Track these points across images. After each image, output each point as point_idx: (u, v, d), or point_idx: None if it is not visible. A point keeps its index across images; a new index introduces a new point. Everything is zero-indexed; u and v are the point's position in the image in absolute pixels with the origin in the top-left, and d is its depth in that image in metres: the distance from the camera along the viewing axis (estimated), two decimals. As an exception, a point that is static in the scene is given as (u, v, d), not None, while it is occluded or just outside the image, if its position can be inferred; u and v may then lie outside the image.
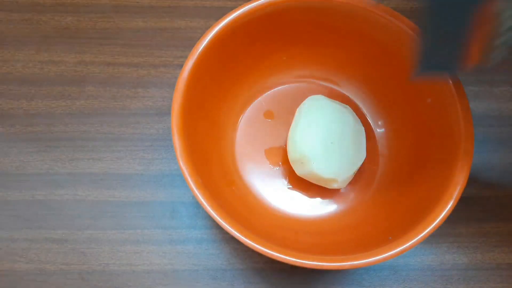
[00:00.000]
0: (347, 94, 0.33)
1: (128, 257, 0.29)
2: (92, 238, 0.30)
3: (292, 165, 0.29)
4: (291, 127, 0.29)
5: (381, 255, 0.22)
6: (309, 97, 0.30)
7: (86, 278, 0.29)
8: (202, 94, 0.27)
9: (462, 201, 0.31)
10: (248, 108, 0.32)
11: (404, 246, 0.22)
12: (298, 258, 0.22)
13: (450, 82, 0.25)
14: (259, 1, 0.26)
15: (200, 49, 0.26)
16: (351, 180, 0.29)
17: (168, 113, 0.33)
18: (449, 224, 0.30)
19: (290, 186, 0.30)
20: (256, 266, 0.29)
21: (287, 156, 0.29)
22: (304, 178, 0.28)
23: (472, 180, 0.31)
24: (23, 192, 0.31)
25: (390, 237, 0.23)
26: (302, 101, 0.30)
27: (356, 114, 0.30)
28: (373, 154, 0.31)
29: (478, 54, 0.20)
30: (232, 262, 0.29)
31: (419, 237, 0.23)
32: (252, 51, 0.30)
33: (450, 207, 0.23)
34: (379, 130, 0.32)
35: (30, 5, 0.36)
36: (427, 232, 0.23)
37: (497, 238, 0.30)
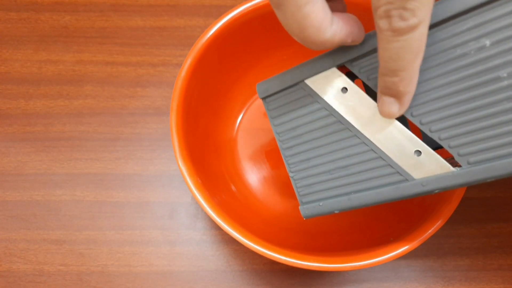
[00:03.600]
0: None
1: (127, 258, 0.29)
2: (91, 239, 0.29)
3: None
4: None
5: (382, 256, 0.22)
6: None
7: (85, 279, 0.29)
8: (201, 93, 0.27)
9: (464, 202, 0.31)
10: (248, 108, 0.32)
11: (406, 247, 0.22)
12: (298, 260, 0.22)
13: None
14: (259, 0, 0.26)
15: (199, 48, 0.25)
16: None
17: (167, 112, 0.33)
18: (450, 225, 0.30)
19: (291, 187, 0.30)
20: (256, 268, 0.29)
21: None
22: None
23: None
24: (21, 192, 0.30)
25: (392, 238, 0.23)
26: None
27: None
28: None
29: None
30: (232, 263, 0.29)
31: (420, 238, 0.22)
32: (252, 50, 0.29)
33: (451, 208, 0.23)
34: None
35: (28, 4, 0.35)
36: (429, 233, 0.22)
37: (499, 239, 0.30)
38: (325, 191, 0.21)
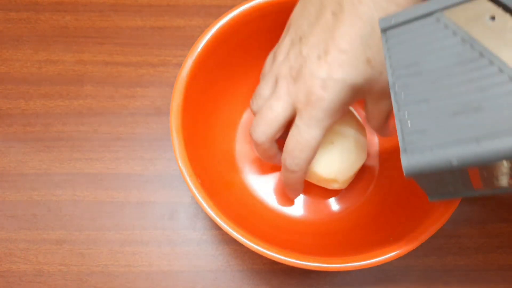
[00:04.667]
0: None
1: (127, 258, 0.29)
2: (91, 239, 0.29)
3: (292, 165, 0.28)
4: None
5: (382, 256, 0.22)
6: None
7: (85, 279, 0.29)
8: (201, 93, 0.27)
9: (464, 202, 0.31)
10: (248, 107, 0.32)
11: (406, 247, 0.22)
12: (298, 260, 0.22)
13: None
14: (258, 0, 0.26)
15: (199, 48, 0.25)
16: (352, 181, 0.29)
17: (167, 112, 0.33)
18: (450, 225, 0.30)
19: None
20: (256, 268, 0.29)
21: (287, 156, 0.29)
22: (305, 178, 0.28)
23: (473, 180, 0.31)
24: (21, 192, 0.30)
25: (391, 238, 0.23)
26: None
27: (358, 114, 0.30)
28: (374, 155, 0.30)
29: (482, 183, 0.18)
30: (232, 263, 0.29)
31: (420, 238, 0.22)
32: (252, 50, 0.29)
33: (451, 208, 0.23)
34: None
35: (28, 4, 0.35)
36: (429, 233, 0.22)
37: (499, 239, 0.30)
38: (443, 135, 0.16)
